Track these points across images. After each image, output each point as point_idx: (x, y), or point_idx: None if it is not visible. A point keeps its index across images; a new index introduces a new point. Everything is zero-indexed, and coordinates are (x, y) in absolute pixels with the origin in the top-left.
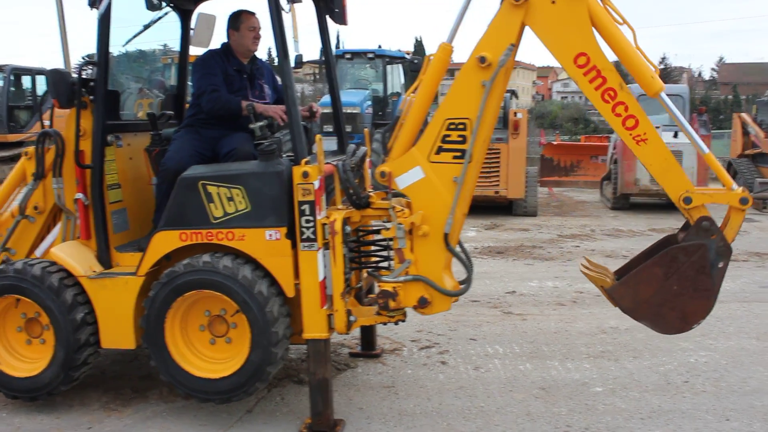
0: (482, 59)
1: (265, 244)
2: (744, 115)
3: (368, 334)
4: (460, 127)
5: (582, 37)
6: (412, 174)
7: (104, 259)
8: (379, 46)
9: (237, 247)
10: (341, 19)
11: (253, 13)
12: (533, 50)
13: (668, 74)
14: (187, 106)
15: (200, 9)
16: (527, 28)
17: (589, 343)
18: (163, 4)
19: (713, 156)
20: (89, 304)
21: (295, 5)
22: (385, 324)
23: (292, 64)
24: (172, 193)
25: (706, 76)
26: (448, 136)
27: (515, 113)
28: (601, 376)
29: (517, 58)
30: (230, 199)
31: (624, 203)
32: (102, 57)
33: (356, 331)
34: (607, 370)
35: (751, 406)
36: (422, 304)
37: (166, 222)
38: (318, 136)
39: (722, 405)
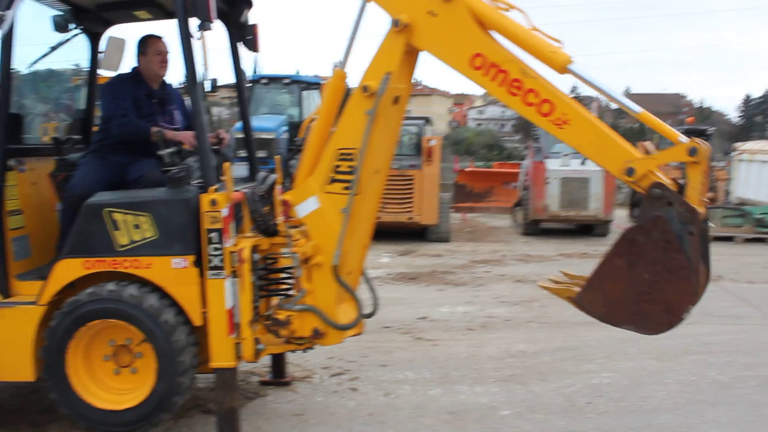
0: (365, 88)
1: (172, 272)
2: (647, 143)
3: (278, 361)
4: (350, 157)
5: (471, 39)
6: (309, 204)
7: (2, 287)
8: (297, 72)
9: (143, 276)
10: (253, 46)
11: (160, 38)
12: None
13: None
14: (95, 129)
15: (110, 32)
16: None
17: (498, 367)
18: (71, 26)
19: (648, 113)
20: None
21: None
22: (294, 352)
23: (208, 88)
24: (76, 220)
25: (614, 106)
26: (339, 166)
27: (429, 140)
28: (509, 400)
29: (433, 85)
30: (137, 226)
31: (534, 229)
32: (3, 78)
33: (267, 359)
34: (514, 393)
35: (649, 424)
36: (316, 336)
37: (70, 249)
38: (227, 164)
39: (623, 424)
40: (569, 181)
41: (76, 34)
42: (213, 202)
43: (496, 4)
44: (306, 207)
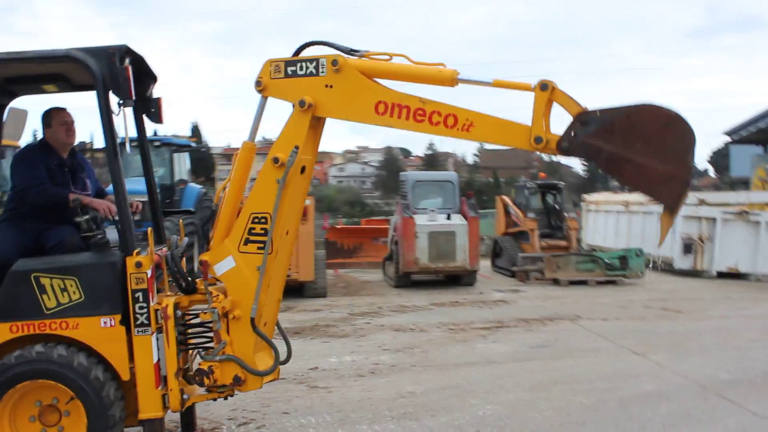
0: (276, 159)
1: (100, 331)
2: (505, 197)
3: (187, 414)
4: (262, 220)
5: (369, 92)
6: (226, 263)
7: None
8: (155, 133)
9: (71, 336)
10: (157, 118)
11: (64, 109)
12: None
13: (436, 159)
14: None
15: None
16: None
17: (391, 407)
18: None
19: (499, 79)
20: None
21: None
22: (215, 400)
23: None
24: (1, 286)
25: (470, 160)
26: (253, 228)
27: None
28: None
29: None
30: (63, 289)
31: (406, 281)
32: None
33: (173, 414)
34: (410, 428)
35: None
36: (237, 383)
37: None
38: (149, 229)
39: None
40: (437, 234)
41: None
42: (138, 264)
43: (378, 56)
44: (223, 266)
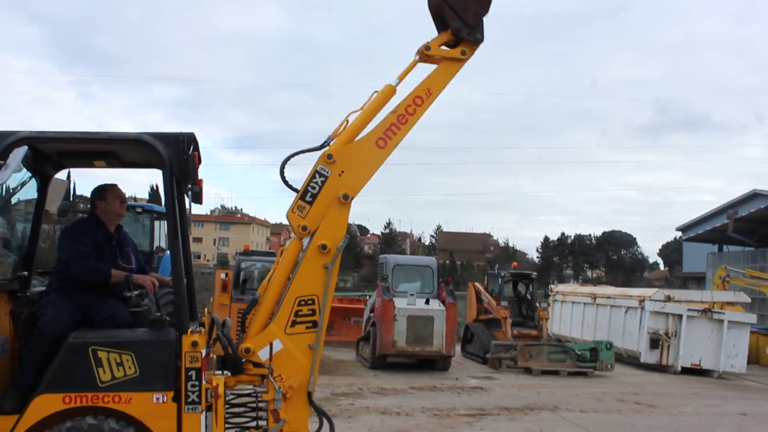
0: (323, 246)
1: (152, 406)
2: (477, 284)
3: None
4: (309, 302)
5: (364, 147)
6: (273, 346)
7: None
8: (134, 198)
9: (123, 410)
10: (198, 199)
11: (116, 185)
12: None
13: (393, 239)
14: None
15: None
16: None
17: None
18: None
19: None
20: None
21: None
22: None
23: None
24: (57, 357)
25: (426, 241)
26: (300, 311)
27: None
28: None
29: (252, 214)
30: (119, 364)
31: (382, 363)
32: None
33: None
34: None
35: None
36: None
37: (48, 385)
38: (206, 309)
39: None
40: (416, 318)
41: (31, 176)
42: (194, 344)
43: (340, 128)
44: (269, 350)
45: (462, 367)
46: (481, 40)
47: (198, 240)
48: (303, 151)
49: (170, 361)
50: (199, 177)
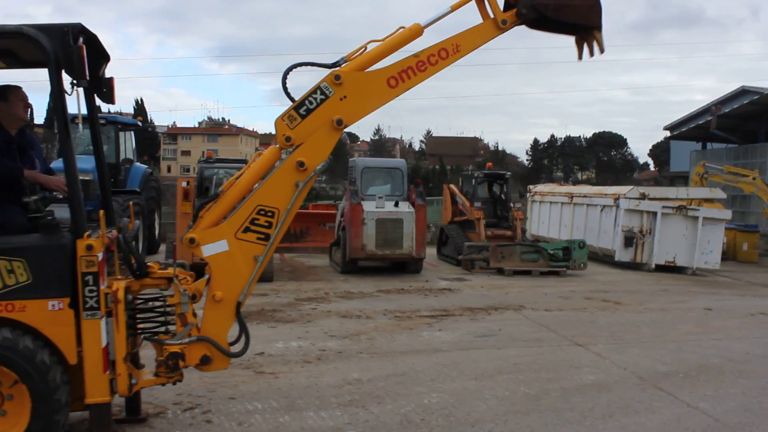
0: (301, 163)
1: (48, 314)
2: (452, 186)
3: (133, 399)
4: (269, 214)
5: (375, 79)
6: (218, 245)
7: None
8: (100, 110)
9: (17, 318)
10: (109, 98)
11: (20, 87)
12: (256, 116)
13: (383, 145)
14: None
15: None
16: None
17: (338, 393)
18: None
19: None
20: None
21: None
22: (163, 385)
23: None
24: None
25: (416, 147)
26: (257, 219)
27: None
28: (353, 421)
29: (241, 124)
30: (10, 271)
31: (353, 267)
32: None
33: (118, 399)
34: (356, 415)
35: None
36: (204, 362)
37: None
38: (101, 211)
39: None
40: (384, 221)
41: None
42: (89, 247)
43: (355, 54)
44: (214, 248)
45: (435, 269)
46: (525, 20)
47: (186, 153)
48: (311, 63)
49: (64, 267)
50: (107, 75)
